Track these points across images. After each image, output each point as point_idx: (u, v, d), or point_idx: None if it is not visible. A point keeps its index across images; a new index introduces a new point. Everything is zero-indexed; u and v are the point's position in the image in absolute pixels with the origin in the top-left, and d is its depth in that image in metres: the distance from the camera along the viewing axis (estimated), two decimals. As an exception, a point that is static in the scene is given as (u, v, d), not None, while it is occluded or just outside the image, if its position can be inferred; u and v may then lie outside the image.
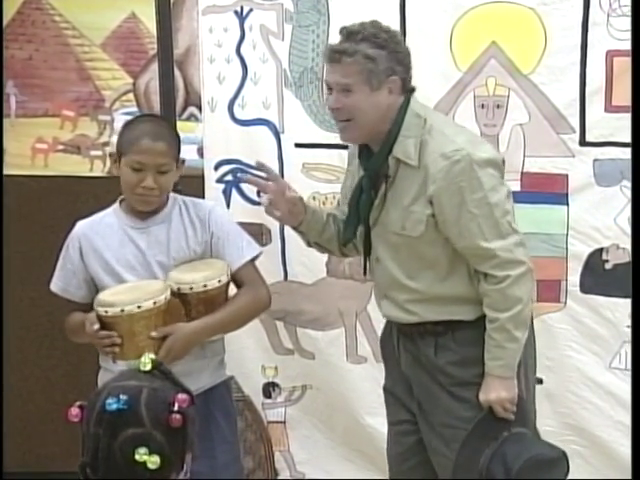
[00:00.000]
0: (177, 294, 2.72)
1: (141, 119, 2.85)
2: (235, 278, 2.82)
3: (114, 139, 3.01)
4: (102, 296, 2.69)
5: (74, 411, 1.78)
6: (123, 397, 1.73)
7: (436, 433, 2.69)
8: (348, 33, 2.63)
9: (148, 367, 1.80)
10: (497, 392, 2.60)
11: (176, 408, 1.74)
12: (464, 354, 2.65)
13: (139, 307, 2.63)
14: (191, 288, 2.71)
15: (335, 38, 3.30)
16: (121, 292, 2.71)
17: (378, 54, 2.59)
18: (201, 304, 2.74)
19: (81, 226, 2.84)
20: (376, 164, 2.66)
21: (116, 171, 2.79)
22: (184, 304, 2.72)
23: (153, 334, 2.65)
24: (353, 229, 2.74)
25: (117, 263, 2.77)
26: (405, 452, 2.80)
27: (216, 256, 2.82)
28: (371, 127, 2.62)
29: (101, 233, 2.81)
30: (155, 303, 2.65)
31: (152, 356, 1.83)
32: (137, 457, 1.70)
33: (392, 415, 2.84)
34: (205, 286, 2.71)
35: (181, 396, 1.76)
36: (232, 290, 2.87)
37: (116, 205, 2.85)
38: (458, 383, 2.65)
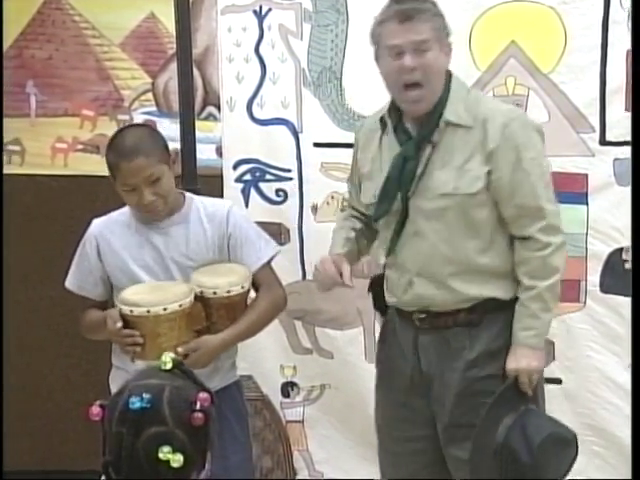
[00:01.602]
0: (199, 298, 2.71)
1: (116, 139, 2.76)
2: (253, 279, 2.82)
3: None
4: (126, 295, 2.69)
5: (95, 410, 1.78)
6: (146, 396, 1.73)
7: (462, 434, 2.61)
8: None
9: (169, 366, 1.81)
10: (528, 361, 2.57)
11: (198, 407, 1.75)
12: (494, 346, 2.62)
13: (165, 309, 2.63)
14: (214, 293, 2.71)
15: (354, 37, 3.34)
16: (144, 292, 2.70)
17: (440, 13, 2.60)
18: (223, 309, 2.74)
19: (97, 225, 2.84)
20: (428, 129, 2.60)
21: (119, 190, 2.75)
22: (205, 308, 2.72)
23: (180, 350, 2.64)
24: (391, 201, 2.63)
25: (134, 263, 2.77)
26: (421, 471, 2.75)
27: (234, 257, 2.81)
28: (437, 91, 2.59)
29: (118, 232, 2.81)
30: (181, 306, 2.65)
31: (172, 355, 1.83)
32: (161, 455, 1.70)
33: (407, 430, 2.73)
34: (229, 292, 2.71)
35: (202, 395, 1.76)
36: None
37: None
38: (489, 375, 2.61)
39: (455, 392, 2.64)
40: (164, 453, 1.70)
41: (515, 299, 2.62)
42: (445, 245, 2.61)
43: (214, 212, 2.81)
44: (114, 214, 2.86)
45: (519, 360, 2.57)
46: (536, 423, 2.55)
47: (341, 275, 2.66)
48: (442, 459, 2.71)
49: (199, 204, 2.83)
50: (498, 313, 2.63)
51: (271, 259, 2.86)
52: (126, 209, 2.84)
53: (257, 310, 2.80)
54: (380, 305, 2.82)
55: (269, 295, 2.83)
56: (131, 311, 2.64)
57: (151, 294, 2.68)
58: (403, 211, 2.63)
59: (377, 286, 2.81)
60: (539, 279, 2.58)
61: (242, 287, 2.73)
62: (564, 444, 2.59)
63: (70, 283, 2.86)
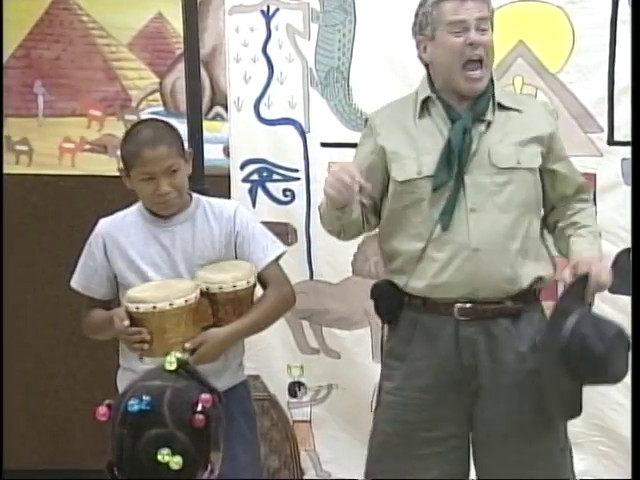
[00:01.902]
0: (205, 294, 2.72)
1: (136, 129, 2.82)
2: (260, 278, 2.82)
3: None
4: (132, 292, 2.70)
5: (102, 410, 1.79)
6: (146, 398, 1.73)
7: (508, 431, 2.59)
8: None
9: (174, 366, 1.80)
10: (602, 261, 2.62)
11: (199, 408, 1.74)
12: (537, 341, 2.61)
13: (171, 304, 2.64)
14: (220, 288, 2.71)
15: (362, 37, 3.34)
16: (150, 289, 2.71)
17: None
18: (229, 304, 2.74)
19: (104, 224, 2.85)
20: (481, 108, 2.64)
21: (129, 184, 2.77)
22: (212, 304, 2.73)
23: (187, 345, 2.65)
24: (450, 171, 2.59)
25: (142, 261, 2.78)
26: (455, 470, 2.70)
27: (240, 255, 2.82)
28: (490, 73, 2.66)
29: (125, 231, 2.81)
30: (187, 301, 2.66)
31: (178, 355, 1.83)
32: (160, 458, 1.70)
33: (441, 429, 2.65)
34: (234, 287, 2.72)
35: (204, 396, 1.75)
36: (258, 290, 2.87)
37: (139, 204, 2.85)
38: (536, 370, 2.58)
39: (503, 386, 2.60)
40: (163, 455, 1.70)
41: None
42: (511, 217, 2.61)
43: (221, 211, 2.82)
44: (121, 214, 2.86)
45: (594, 258, 2.60)
46: (605, 319, 2.56)
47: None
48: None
49: (205, 203, 2.84)
50: (536, 304, 2.67)
51: (278, 258, 2.86)
52: (133, 209, 2.85)
53: (265, 305, 2.80)
54: (390, 309, 2.73)
55: (277, 291, 2.83)
56: (137, 308, 2.65)
57: (157, 291, 2.69)
58: (456, 186, 2.60)
59: (384, 292, 2.74)
60: (592, 217, 2.76)
61: (248, 282, 2.74)
62: (628, 347, 2.54)
63: (75, 282, 2.86)
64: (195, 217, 2.81)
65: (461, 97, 2.64)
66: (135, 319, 2.66)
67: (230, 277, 2.72)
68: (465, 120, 2.62)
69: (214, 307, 2.73)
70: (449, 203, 2.60)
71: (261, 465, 3.07)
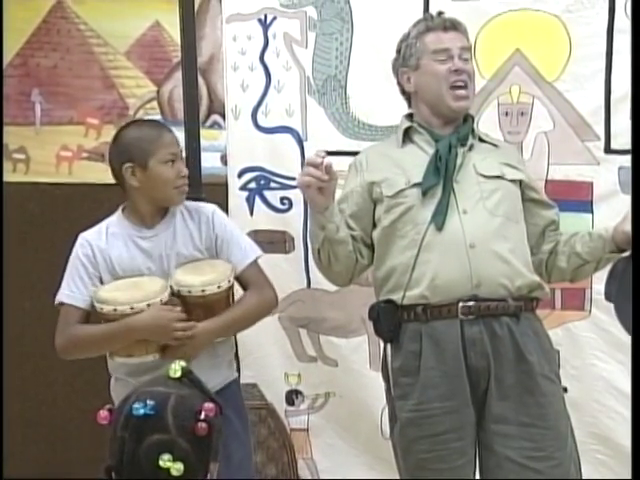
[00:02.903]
0: (177, 295, 2.72)
1: (134, 124, 2.89)
2: (241, 279, 2.82)
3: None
4: (102, 292, 2.70)
5: (103, 414, 1.79)
6: (150, 402, 1.74)
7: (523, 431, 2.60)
8: (439, 12, 2.81)
9: (178, 374, 1.81)
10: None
11: (202, 417, 1.74)
12: (546, 346, 2.69)
13: (132, 308, 2.65)
14: (189, 292, 2.70)
15: (359, 46, 3.34)
16: (120, 289, 2.71)
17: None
18: (199, 308, 2.72)
19: (87, 237, 2.82)
20: (465, 132, 2.76)
21: (135, 182, 2.75)
22: (184, 305, 2.72)
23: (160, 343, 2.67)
24: (438, 177, 2.67)
25: (130, 273, 2.76)
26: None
27: (221, 257, 2.81)
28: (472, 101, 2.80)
29: (110, 244, 2.79)
30: (149, 306, 2.66)
31: (182, 363, 1.83)
32: (161, 463, 1.71)
33: (468, 436, 2.64)
34: (203, 291, 2.70)
35: (208, 405, 1.76)
36: (238, 292, 2.86)
37: (119, 214, 2.84)
38: (543, 375, 2.62)
39: (508, 385, 2.61)
40: (164, 461, 1.70)
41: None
42: (500, 220, 2.67)
43: (199, 215, 2.82)
44: (102, 225, 2.84)
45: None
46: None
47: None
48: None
49: (182, 209, 2.83)
50: (534, 313, 2.71)
51: (256, 259, 2.84)
52: (113, 219, 2.83)
53: (243, 305, 2.79)
54: (390, 327, 2.70)
55: (257, 294, 2.81)
56: (102, 309, 2.67)
57: (125, 291, 2.69)
58: (447, 190, 2.66)
59: (382, 310, 2.71)
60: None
61: (218, 287, 2.71)
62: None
63: (63, 295, 2.80)
64: (175, 224, 2.81)
65: (445, 123, 2.75)
66: (107, 320, 2.68)
67: (199, 281, 2.70)
68: (450, 137, 2.73)
69: (186, 308, 2.72)
70: (441, 204, 2.65)
71: (254, 462, 3.07)
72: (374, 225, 2.76)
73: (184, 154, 2.96)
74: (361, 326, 3.45)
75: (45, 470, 3.94)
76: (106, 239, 2.80)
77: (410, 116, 2.83)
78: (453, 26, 2.75)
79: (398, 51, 2.80)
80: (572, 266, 2.76)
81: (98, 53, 3.91)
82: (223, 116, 3.62)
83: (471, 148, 2.75)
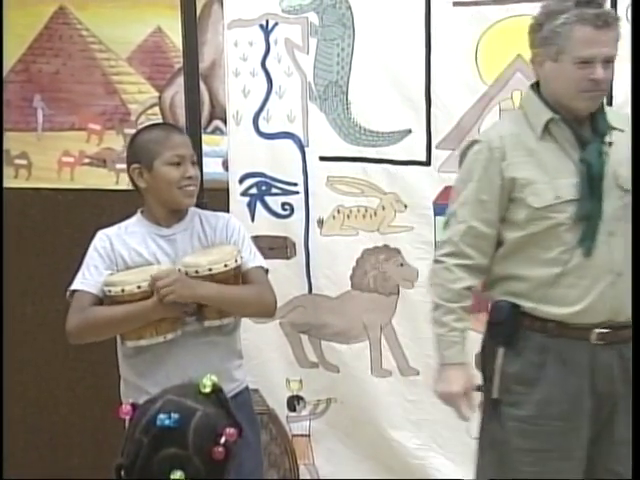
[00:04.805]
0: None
1: (147, 127, 2.93)
2: (246, 277, 2.83)
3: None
4: (112, 277, 2.74)
5: (125, 409, 1.78)
6: (175, 415, 1.73)
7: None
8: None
9: (208, 390, 1.80)
10: None
11: (222, 441, 1.74)
12: None
13: (139, 287, 2.68)
14: (197, 272, 2.72)
15: (360, 52, 3.35)
16: (129, 274, 2.75)
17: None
18: None
19: (107, 231, 2.86)
20: (604, 129, 2.60)
21: (143, 183, 2.80)
22: None
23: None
24: (592, 198, 2.53)
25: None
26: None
27: None
28: None
29: (129, 240, 2.83)
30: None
31: (214, 378, 1.82)
32: (172, 477, 1.70)
33: (575, 457, 2.59)
34: (210, 270, 2.72)
35: (230, 430, 1.75)
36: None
37: (138, 215, 2.88)
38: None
39: (628, 408, 2.49)
40: (176, 476, 1.70)
41: None
42: (629, 242, 2.54)
43: (216, 221, 2.88)
44: (122, 225, 2.87)
45: None
46: None
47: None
48: None
49: (200, 214, 2.90)
50: None
51: (263, 266, 2.88)
52: (133, 220, 2.87)
53: (242, 288, 2.81)
54: (512, 332, 2.61)
55: (258, 289, 2.83)
56: (119, 291, 2.69)
57: (129, 275, 2.72)
58: (597, 212, 2.53)
59: (508, 315, 2.62)
60: None
61: (225, 265, 2.74)
62: None
63: (80, 284, 2.79)
64: (193, 226, 2.85)
65: (578, 118, 2.60)
66: (115, 303, 2.71)
67: (205, 261, 2.73)
68: (599, 144, 2.57)
69: None
70: (590, 229, 2.54)
71: (263, 470, 3.09)
72: (503, 218, 2.62)
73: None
74: (362, 332, 3.45)
75: (46, 475, 3.94)
76: (125, 236, 2.83)
77: (537, 85, 2.64)
78: (606, 23, 2.49)
79: (540, 24, 2.56)
80: None
81: (100, 59, 3.91)
82: (224, 122, 3.63)
83: (610, 146, 2.58)
